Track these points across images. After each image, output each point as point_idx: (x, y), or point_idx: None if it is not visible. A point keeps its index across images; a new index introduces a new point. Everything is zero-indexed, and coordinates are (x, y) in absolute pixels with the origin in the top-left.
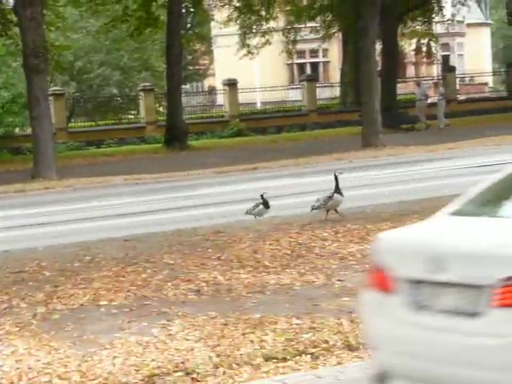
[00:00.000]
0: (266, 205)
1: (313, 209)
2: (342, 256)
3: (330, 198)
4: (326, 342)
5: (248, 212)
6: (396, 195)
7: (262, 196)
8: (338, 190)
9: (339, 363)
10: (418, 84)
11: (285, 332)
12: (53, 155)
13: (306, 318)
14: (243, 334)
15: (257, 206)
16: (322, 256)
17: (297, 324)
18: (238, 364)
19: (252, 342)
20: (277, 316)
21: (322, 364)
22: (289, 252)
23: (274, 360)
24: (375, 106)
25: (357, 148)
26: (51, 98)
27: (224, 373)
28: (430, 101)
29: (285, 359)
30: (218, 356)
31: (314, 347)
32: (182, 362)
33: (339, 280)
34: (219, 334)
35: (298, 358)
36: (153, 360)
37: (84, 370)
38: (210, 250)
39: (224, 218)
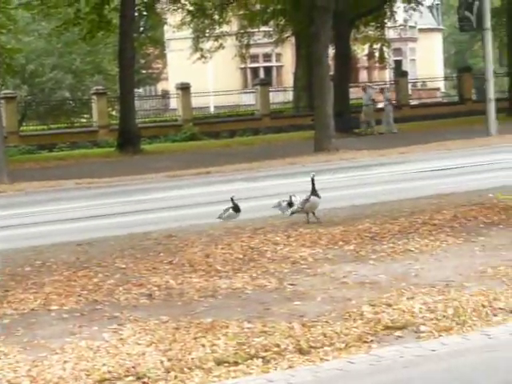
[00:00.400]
0: (236, 208)
1: (292, 213)
2: (294, 260)
3: (307, 200)
4: (278, 345)
5: (219, 217)
6: (348, 199)
7: (232, 199)
8: (314, 192)
9: (290, 367)
10: (364, 89)
11: (236, 336)
12: (4, 159)
13: (258, 321)
14: (195, 338)
15: (227, 210)
16: (273, 260)
17: (248, 328)
18: (189, 368)
19: (203, 346)
20: (228, 320)
21: (274, 368)
22: (241, 256)
23: (226, 364)
24: (327, 111)
25: (309, 152)
26: (2, 101)
27: (175, 377)
28: (380, 105)
29: (236, 363)
30: (169, 360)
31: (266, 351)
32: (133, 367)
33: (291, 284)
34: (171, 338)
35: (249, 361)
36: (104, 364)
37: (34, 374)
38: (162, 254)
39: (176, 223)
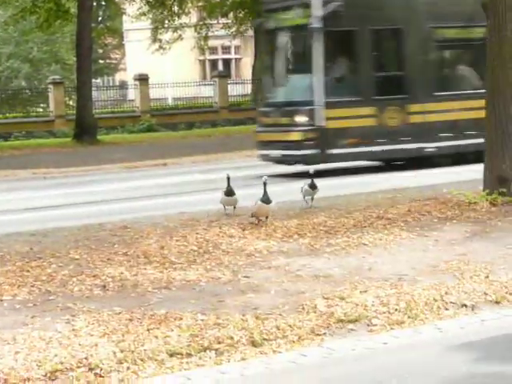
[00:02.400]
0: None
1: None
2: (249, 253)
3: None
4: (231, 337)
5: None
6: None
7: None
8: (265, 196)
9: (243, 359)
10: None
11: (190, 328)
12: None
13: (212, 314)
14: (148, 330)
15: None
16: (228, 253)
17: (202, 320)
18: (142, 359)
19: (157, 337)
20: (182, 312)
21: (227, 360)
22: (195, 248)
23: (179, 356)
24: None
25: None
26: None
27: (128, 368)
28: None
29: (189, 355)
30: (122, 351)
31: (219, 343)
32: (85, 358)
33: (245, 276)
34: (124, 329)
35: (202, 353)
36: (56, 355)
37: None
38: (116, 246)
39: (132, 214)
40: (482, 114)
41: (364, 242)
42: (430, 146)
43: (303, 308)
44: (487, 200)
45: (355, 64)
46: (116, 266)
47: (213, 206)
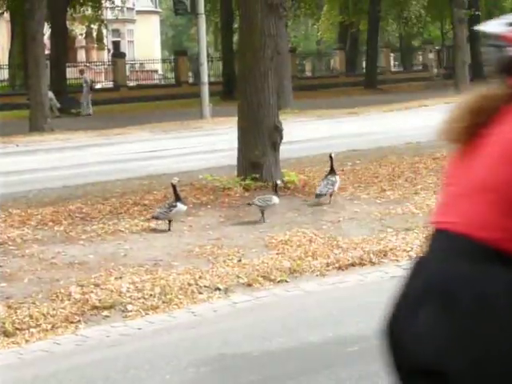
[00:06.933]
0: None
1: (153, 217)
2: (2, 241)
3: (174, 206)
4: None
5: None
6: (61, 180)
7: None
8: (179, 198)
9: None
10: (81, 71)
11: None
12: None
13: None
14: None
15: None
16: None
17: None
18: None
19: None
20: None
21: None
22: None
23: None
24: (42, 90)
25: (25, 132)
26: None
27: None
28: (98, 86)
29: None
30: None
31: None
32: None
33: None
34: None
35: None
36: None
37: None
38: None
39: None
40: None
41: (120, 229)
42: None
43: (57, 296)
44: (241, 185)
45: None
46: None
47: None
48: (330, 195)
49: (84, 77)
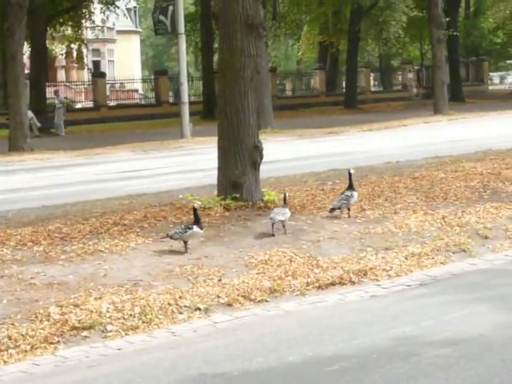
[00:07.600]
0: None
1: (168, 235)
2: None
3: (190, 228)
4: None
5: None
6: (40, 200)
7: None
8: (198, 222)
9: None
10: (56, 92)
11: None
12: None
13: None
14: None
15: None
16: None
17: None
18: None
19: None
20: None
21: None
22: None
23: None
24: (22, 109)
25: (4, 152)
26: None
27: None
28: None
29: None
30: None
31: None
32: None
33: None
34: None
35: None
36: None
37: None
38: None
39: None
40: None
41: (100, 249)
42: None
43: (36, 316)
44: (221, 205)
45: None
46: None
47: None
48: (349, 209)
49: (59, 98)
